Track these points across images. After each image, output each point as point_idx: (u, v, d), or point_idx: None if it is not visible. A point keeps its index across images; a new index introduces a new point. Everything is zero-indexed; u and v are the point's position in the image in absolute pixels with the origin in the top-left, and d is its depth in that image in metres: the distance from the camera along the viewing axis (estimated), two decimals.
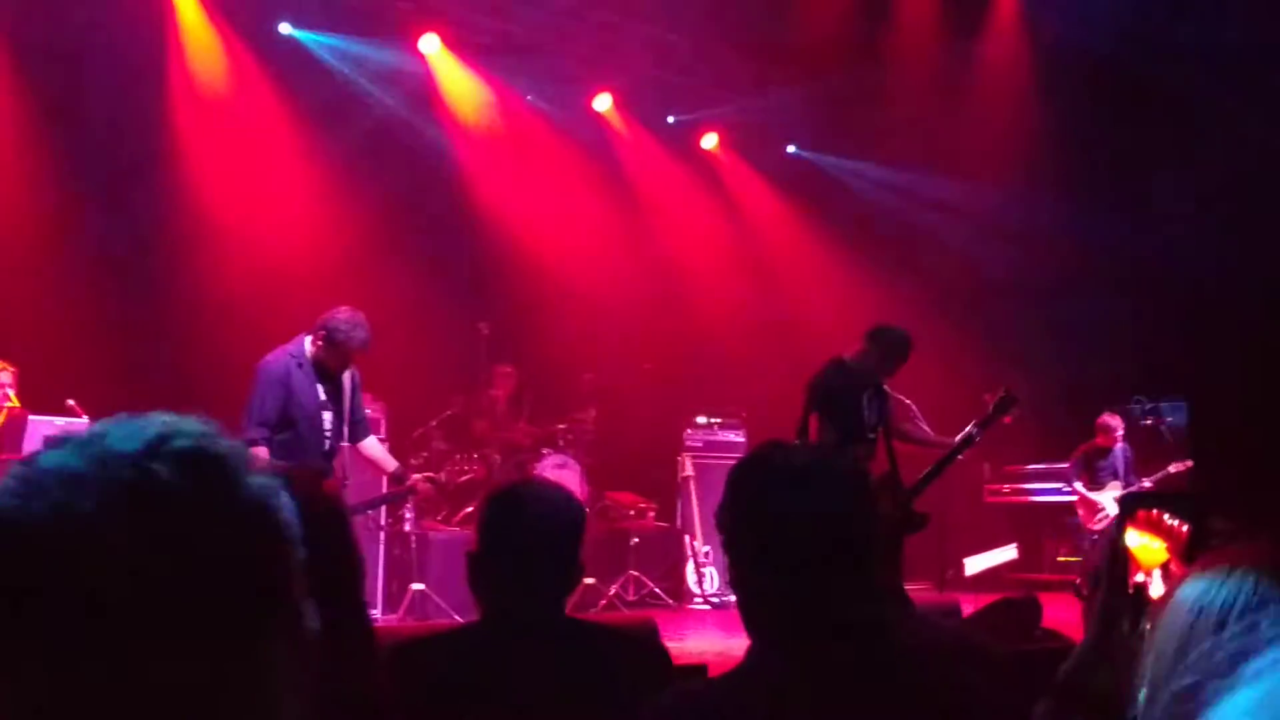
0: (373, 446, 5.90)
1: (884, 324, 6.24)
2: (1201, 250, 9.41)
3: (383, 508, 8.10)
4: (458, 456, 8.93)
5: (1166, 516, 1.69)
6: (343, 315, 5.40)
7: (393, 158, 9.76)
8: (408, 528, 8.06)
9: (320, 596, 0.79)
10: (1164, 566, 1.70)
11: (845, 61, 10.18)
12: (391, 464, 6.04)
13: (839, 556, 1.57)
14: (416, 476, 6.28)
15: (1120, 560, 1.70)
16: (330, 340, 5.36)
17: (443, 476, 6.43)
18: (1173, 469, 8.79)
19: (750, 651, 1.64)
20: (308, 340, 5.44)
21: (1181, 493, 7.34)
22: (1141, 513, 1.70)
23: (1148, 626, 1.42)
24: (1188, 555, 1.66)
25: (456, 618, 6.95)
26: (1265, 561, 1.19)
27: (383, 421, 8.79)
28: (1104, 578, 1.67)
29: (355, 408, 5.69)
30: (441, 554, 7.83)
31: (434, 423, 9.15)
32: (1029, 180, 10.24)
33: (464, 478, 6.42)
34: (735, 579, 1.67)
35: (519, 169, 10.06)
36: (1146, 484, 8.82)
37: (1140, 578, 1.69)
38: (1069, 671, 1.68)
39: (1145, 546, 1.69)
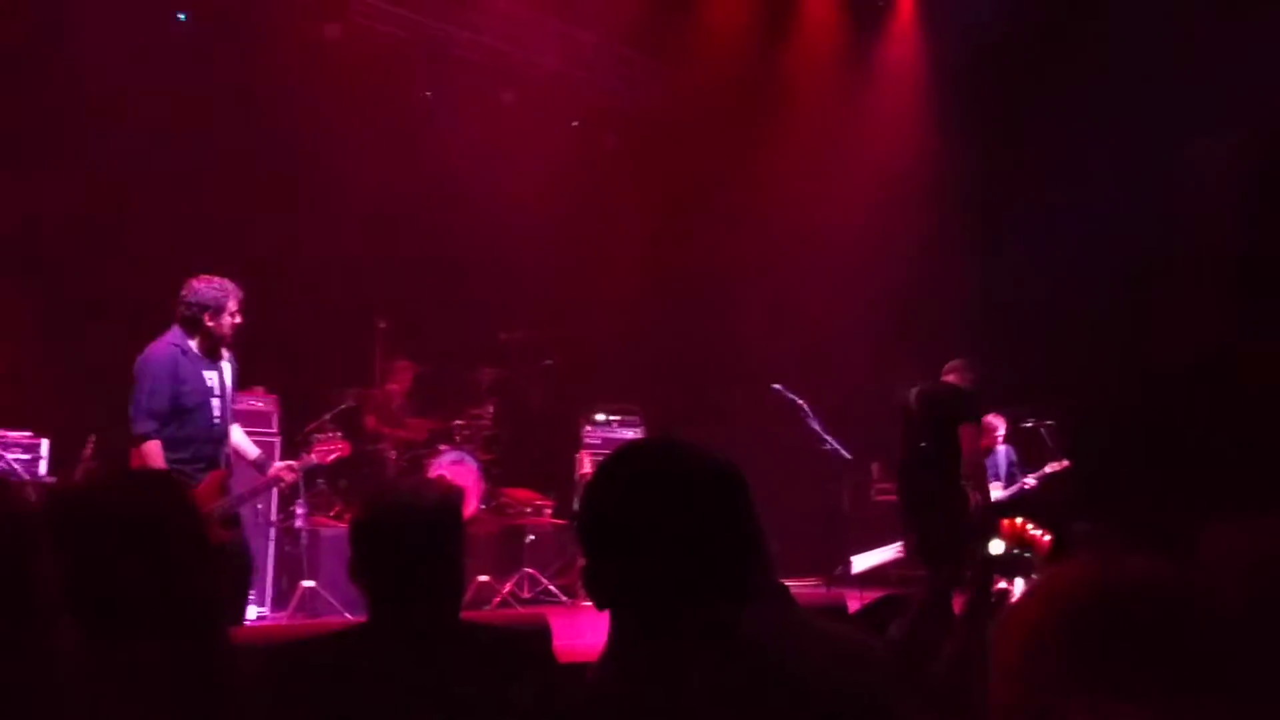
0: (236, 434, 5.76)
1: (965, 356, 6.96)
2: (1083, 257, 9.74)
3: (274, 502, 7.95)
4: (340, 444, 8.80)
5: (1030, 526, 1.79)
6: (203, 286, 5.32)
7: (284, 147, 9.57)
8: (299, 524, 7.93)
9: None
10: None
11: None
12: (254, 452, 5.86)
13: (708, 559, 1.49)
14: (278, 465, 5.98)
15: (984, 568, 1.79)
16: (215, 311, 5.29)
17: (313, 458, 6.12)
18: (1049, 469, 9.13)
19: (607, 652, 1.54)
20: (182, 328, 5.35)
21: (1039, 501, 7.76)
22: (1005, 523, 1.79)
23: None
24: (1050, 562, 1.75)
25: (347, 615, 6.87)
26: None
27: (275, 415, 8.65)
28: (969, 585, 1.77)
29: (232, 396, 5.62)
30: (332, 551, 7.74)
31: (328, 416, 9.00)
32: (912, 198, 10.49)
33: (332, 456, 6.14)
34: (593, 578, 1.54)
35: (420, 163, 9.95)
36: (1030, 482, 9.13)
37: (1003, 585, 1.79)
38: (936, 674, 1.76)
39: (1017, 556, 1.78)
